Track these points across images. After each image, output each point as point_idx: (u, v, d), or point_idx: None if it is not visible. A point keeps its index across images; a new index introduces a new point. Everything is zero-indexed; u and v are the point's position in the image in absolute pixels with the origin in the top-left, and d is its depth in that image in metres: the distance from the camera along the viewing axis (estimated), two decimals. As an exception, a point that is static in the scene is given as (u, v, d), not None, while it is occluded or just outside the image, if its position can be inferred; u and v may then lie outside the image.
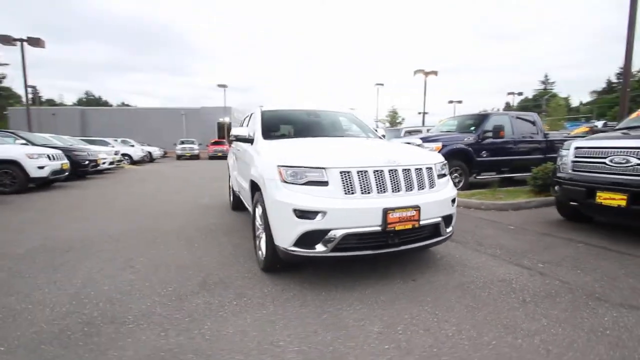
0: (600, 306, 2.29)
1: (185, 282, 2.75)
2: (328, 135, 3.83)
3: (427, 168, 2.75)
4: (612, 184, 3.64)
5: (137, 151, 18.70)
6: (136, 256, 3.41)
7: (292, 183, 2.49)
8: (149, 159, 20.82)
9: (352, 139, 3.77)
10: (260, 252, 3.05)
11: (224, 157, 24.66)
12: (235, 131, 3.77)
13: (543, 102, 53.19)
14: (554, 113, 46.24)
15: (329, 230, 2.38)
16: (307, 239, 2.42)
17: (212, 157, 24.75)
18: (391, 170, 2.56)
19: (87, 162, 10.19)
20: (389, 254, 2.60)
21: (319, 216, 2.36)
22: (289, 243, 2.46)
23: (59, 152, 8.57)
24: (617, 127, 4.91)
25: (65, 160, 8.70)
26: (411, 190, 2.60)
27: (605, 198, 3.68)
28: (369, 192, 2.47)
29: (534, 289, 2.55)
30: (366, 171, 2.49)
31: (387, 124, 40.79)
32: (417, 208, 2.50)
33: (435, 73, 21.10)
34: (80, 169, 9.98)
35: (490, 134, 7.38)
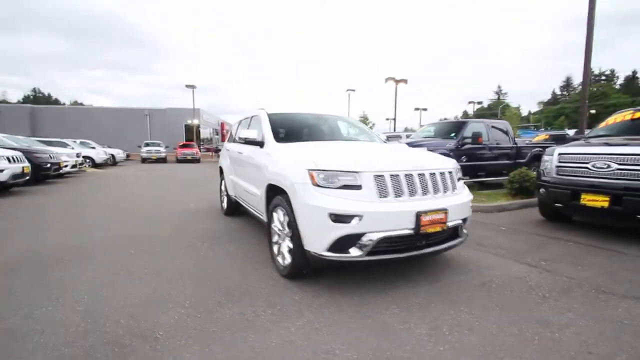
0: (610, 298, 2.50)
1: (207, 293, 2.61)
2: (339, 139, 3.84)
3: (448, 172, 2.85)
4: (595, 187, 3.99)
5: (99, 153, 17.42)
6: (139, 267, 3.17)
7: (326, 187, 2.47)
8: (112, 162, 19.47)
9: (366, 143, 3.81)
10: (279, 259, 2.98)
11: (193, 160, 23.75)
12: (243, 133, 3.67)
13: (499, 111, 57.13)
14: (509, 121, 49.85)
15: (363, 234, 2.39)
16: (342, 244, 2.40)
17: (180, 161, 23.67)
18: (420, 174, 2.63)
19: (49, 165, 9.31)
20: (414, 257, 2.65)
21: (355, 220, 2.36)
22: (323, 248, 2.43)
23: (19, 154, 7.77)
24: (588, 135, 5.40)
25: (27, 163, 7.90)
26: (438, 193, 2.69)
27: (589, 200, 4.03)
28: (401, 196, 2.51)
29: (548, 285, 2.73)
30: (398, 175, 2.54)
31: (359, 129, 41.48)
32: (445, 211, 2.58)
33: (405, 81, 21.98)
34: (42, 173, 9.10)
35: (469, 140, 7.80)
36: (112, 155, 19.45)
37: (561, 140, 11.88)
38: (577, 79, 72.59)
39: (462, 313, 2.27)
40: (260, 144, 3.63)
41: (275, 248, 3.12)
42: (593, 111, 42.22)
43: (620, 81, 76.32)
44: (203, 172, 15.42)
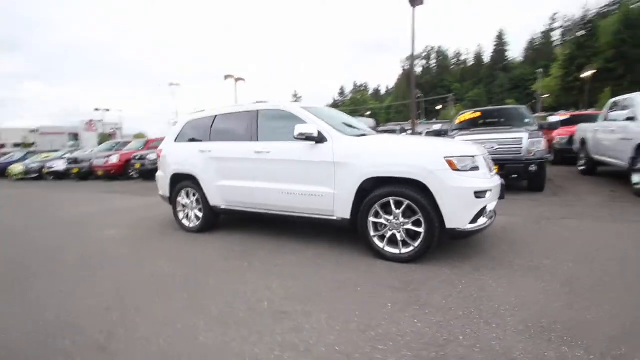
0: (582, 219, 4.17)
1: (379, 301, 2.46)
2: (369, 134, 4.05)
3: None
4: (488, 161, 6.11)
5: None
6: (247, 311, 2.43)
7: (462, 170, 2.88)
8: None
9: (412, 136, 4.24)
10: (390, 249, 3.10)
11: None
12: (302, 129, 3.31)
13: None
14: None
15: (486, 205, 2.99)
16: (478, 215, 2.91)
17: None
18: (488, 156, 3.45)
19: None
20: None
21: (488, 194, 2.92)
22: (467, 222, 2.86)
23: None
24: (452, 128, 7.86)
25: None
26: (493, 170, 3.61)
27: (485, 169, 6.13)
28: (491, 172, 3.25)
29: (540, 220, 4.20)
30: (486, 157, 3.27)
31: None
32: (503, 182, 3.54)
33: (243, 79, 22.09)
34: None
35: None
36: None
37: (391, 132, 15.76)
38: (348, 89, 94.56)
39: (540, 247, 3.31)
40: (318, 139, 3.39)
41: (376, 240, 3.17)
42: (368, 113, 56.42)
43: (370, 91, 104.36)
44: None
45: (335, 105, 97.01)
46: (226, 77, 21.28)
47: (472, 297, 2.36)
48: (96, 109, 38.09)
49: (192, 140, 4.52)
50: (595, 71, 34.99)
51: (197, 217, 4.45)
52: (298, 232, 4.18)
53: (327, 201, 3.38)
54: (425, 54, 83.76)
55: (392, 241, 3.12)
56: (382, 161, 3.11)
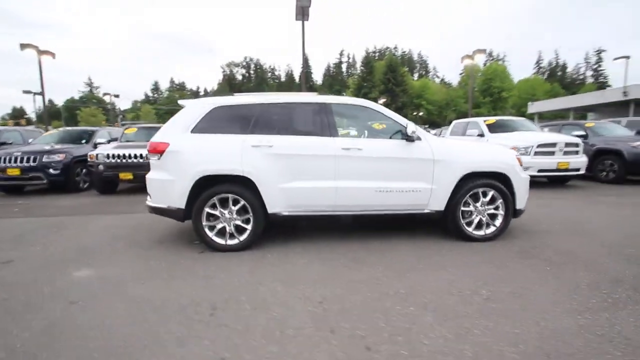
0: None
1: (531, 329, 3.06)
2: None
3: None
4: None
5: None
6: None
7: (520, 166, 3.87)
8: None
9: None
10: (477, 232, 3.72)
11: None
12: (413, 127, 3.41)
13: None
14: (145, 117, 54.41)
15: (526, 191, 4.13)
16: (526, 199, 4.00)
17: None
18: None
19: None
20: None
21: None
22: (524, 203, 3.85)
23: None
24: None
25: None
26: None
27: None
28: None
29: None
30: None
31: None
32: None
33: (52, 54, 15.61)
34: None
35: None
36: None
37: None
38: (164, 85, 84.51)
39: (534, 218, 4.77)
40: (412, 138, 3.55)
41: (465, 226, 3.70)
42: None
43: (188, 92, 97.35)
44: None
45: (150, 101, 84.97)
46: (23, 46, 14.54)
47: (574, 254, 3.30)
48: None
49: (221, 131, 3.46)
50: (385, 99, 46.84)
51: (239, 230, 3.44)
52: (345, 230, 4.07)
53: (424, 195, 3.59)
54: (245, 63, 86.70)
55: (475, 224, 3.74)
56: (480, 158, 3.68)
